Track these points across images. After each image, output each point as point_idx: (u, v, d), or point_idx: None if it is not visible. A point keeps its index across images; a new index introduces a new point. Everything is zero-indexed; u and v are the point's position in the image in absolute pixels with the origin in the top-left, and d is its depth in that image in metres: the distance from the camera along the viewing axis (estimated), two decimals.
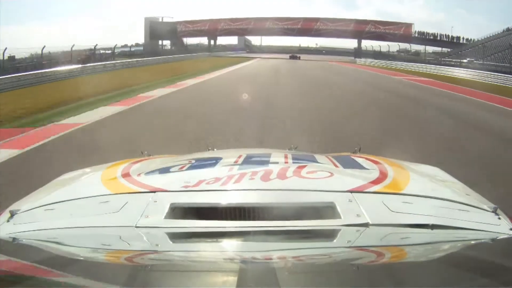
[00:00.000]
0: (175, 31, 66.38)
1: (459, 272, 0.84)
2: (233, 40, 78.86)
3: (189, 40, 71.24)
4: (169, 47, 66.51)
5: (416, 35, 60.98)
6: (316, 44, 79.65)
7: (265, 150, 1.88)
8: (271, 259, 0.90)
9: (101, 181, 1.32)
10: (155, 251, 0.96)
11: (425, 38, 59.41)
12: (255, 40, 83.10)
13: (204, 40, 71.54)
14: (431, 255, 0.96)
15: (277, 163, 1.38)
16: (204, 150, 2.76)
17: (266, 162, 1.38)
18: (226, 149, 2.44)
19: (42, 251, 0.97)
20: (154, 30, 64.25)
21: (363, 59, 50.99)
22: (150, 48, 54.79)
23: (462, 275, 0.82)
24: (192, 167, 1.40)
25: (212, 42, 71.14)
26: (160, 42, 67.03)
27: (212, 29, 68.75)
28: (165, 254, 0.94)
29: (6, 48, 22.69)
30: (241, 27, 68.16)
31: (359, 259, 0.93)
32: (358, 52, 59.94)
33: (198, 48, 67.11)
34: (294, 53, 64.22)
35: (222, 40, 79.25)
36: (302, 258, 0.92)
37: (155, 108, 10.88)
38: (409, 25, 62.45)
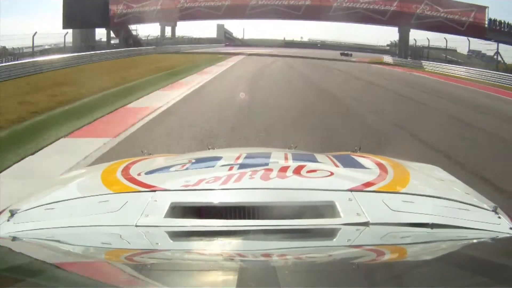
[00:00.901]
0: (107, 14, 37.97)
1: (459, 271, 0.84)
2: (210, 31, 62.64)
3: (144, 29, 48.08)
4: (116, 40, 39.45)
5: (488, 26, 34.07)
6: (302, 37, 67.90)
7: (265, 149, 1.88)
8: (271, 258, 0.90)
9: (101, 180, 1.33)
10: (155, 250, 0.96)
11: (500, 31, 33.82)
12: (236, 31, 69.38)
13: (175, 31, 45.49)
14: (431, 254, 0.95)
15: (277, 162, 1.38)
16: (204, 149, 2.76)
17: (266, 161, 1.38)
18: (226, 148, 2.45)
19: (42, 251, 0.97)
20: (74, 13, 34.21)
21: (433, 63, 30.79)
22: (80, 42, 32.86)
23: (462, 274, 0.82)
24: (192, 166, 1.41)
25: (175, 30, 44.29)
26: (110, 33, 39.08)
27: (168, 9, 40.47)
28: (165, 253, 0.95)
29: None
30: (213, 5, 39.78)
31: (359, 258, 0.93)
32: (402, 49, 37.41)
33: (157, 41, 41.80)
34: (345, 50, 47.39)
35: (194, 31, 62.67)
36: (302, 257, 0.92)
37: None
38: (481, 9, 34.94)
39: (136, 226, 0.99)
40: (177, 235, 1.02)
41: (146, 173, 1.32)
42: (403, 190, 1.19)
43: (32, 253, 0.94)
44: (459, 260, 0.90)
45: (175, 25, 43.51)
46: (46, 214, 1.11)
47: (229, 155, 1.60)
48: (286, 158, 1.46)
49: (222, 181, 1.16)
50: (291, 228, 1.00)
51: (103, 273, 0.82)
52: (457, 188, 1.35)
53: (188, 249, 1.00)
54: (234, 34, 68.38)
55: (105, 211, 1.07)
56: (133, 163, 1.53)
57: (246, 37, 67.83)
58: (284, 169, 1.25)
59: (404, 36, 37.60)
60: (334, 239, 1.01)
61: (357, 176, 1.29)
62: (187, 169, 1.36)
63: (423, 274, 0.80)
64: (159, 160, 1.66)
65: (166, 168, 1.39)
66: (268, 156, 1.52)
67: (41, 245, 1.00)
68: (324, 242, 1.02)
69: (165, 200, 1.07)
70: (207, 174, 1.22)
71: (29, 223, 1.07)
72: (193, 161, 1.48)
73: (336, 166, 1.41)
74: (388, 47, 49.73)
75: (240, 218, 1.04)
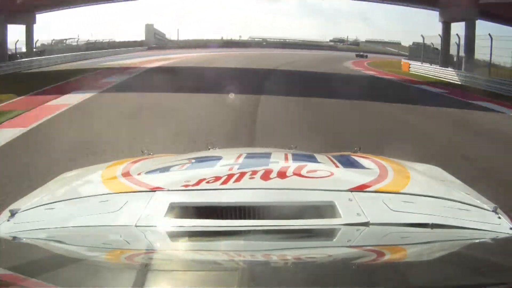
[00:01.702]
0: None
1: (459, 271, 0.84)
2: (139, 34, 51.97)
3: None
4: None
5: None
6: (240, 36, 64.14)
7: (265, 149, 1.88)
8: (271, 258, 0.90)
9: (101, 180, 1.33)
10: (155, 250, 0.96)
11: None
12: (171, 32, 57.46)
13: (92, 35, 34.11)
14: (431, 254, 0.96)
15: (277, 162, 1.38)
16: (204, 150, 2.76)
17: (266, 161, 1.38)
18: (226, 148, 2.45)
19: (42, 250, 0.98)
20: None
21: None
22: None
23: (462, 274, 0.82)
24: (192, 166, 1.40)
25: (31, 31, 23.92)
26: None
27: None
28: (165, 253, 0.95)
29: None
30: None
31: (359, 258, 0.94)
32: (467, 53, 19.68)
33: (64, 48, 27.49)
34: (360, 52, 45.93)
35: (121, 34, 47.14)
36: (302, 257, 0.92)
37: None
38: None
39: (136, 226, 0.99)
40: (177, 235, 1.02)
41: (146, 173, 1.32)
42: (403, 191, 1.19)
43: (32, 253, 0.94)
44: (459, 260, 0.90)
45: (32, 21, 24.16)
46: (46, 214, 1.11)
47: (229, 155, 1.60)
48: (286, 158, 1.45)
49: (222, 181, 1.16)
50: (291, 228, 1.00)
51: (103, 273, 0.82)
52: (457, 188, 1.35)
53: (188, 249, 1.00)
54: (168, 36, 60.45)
55: (105, 211, 1.07)
56: (133, 163, 1.53)
57: (181, 38, 61.14)
58: (284, 169, 1.25)
59: (468, 29, 19.91)
60: (334, 239, 1.01)
61: (357, 177, 1.29)
62: (187, 169, 1.36)
63: (423, 274, 0.80)
64: (159, 160, 1.66)
65: (166, 168, 1.39)
66: (268, 156, 1.51)
67: (41, 245, 1.00)
68: (324, 242, 1.02)
69: (165, 200, 1.07)
70: (207, 174, 1.22)
71: (29, 223, 1.07)
72: (193, 161, 1.47)
73: (336, 166, 1.41)
74: (332, 43, 43.61)
75: (240, 218, 1.04)
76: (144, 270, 0.82)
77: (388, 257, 0.94)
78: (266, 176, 1.19)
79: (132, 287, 0.74)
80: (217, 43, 55.04)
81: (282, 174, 1.21)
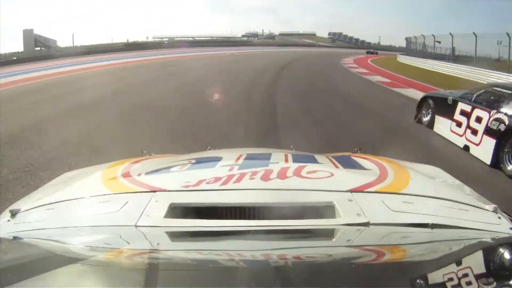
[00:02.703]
0: None
1: (459, 271, 0.83)
2: (15, 38, 42.91)
3: None
4: None
5: None
6: (147, 37, 61.19)
7: (265, 150, 1.88)
8: (271, 258, 0.90)
9: (102, 181, 1.33)
10: (155, 250, 0.96)
11: None
12: (65, 37, 47.05)
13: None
14: (431, 254, 0.96)
15: (277, 163, 1.38)
16: (204, 150, 2.76)
17: (266, 162, 1.38)
18: (226, 149, 2.46)
19: (42, 250, 0.98)
20: None
21: None
22: None
23: (462, 274, 0.82)
24: (192, 167, 1.40)
25: None
26: None
27: None
28: (165, 253, 0.95)
29: None
30: None
31: (359, 258, 0.94)
32: None
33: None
34: (370, 49, 44.69)
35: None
36: (303, 258, 0.92)
37: None
38: None
39: (136, 226, 0.99)
40: (177, 236, 1.02)
41: (146, 174, 1.32)
42: (403, 191, 1.19)
43: (32, 253, 0.94)
44: (459, 260, 0.90)
45: None
46: (46, 214, 1.11)
47: (230, 155, 1.60)
48: (286, 159, 1.45)
49: (222, 182, 1.16)
50: (291, 229, 1.00)
51: (103, 273, 0.82)
52: (457, 188, 1.35)
53: (188, 249, 1.00)
54: (60, 42, 48.21)
55: (105, 211, 1.08)
56: (133, 163, 1.53)
57: (78, 44, 50.46)
58: (284, 170, 1.25)
59: None
60: (334, 240, 1.01)
61: (357, 177, 1.29)
62: (187, 169, 1.36)
63: (423, 274, 0.80)
64: (159, 161, 1.66)
65: (166, 168, 1.39)
66: (268, 157, 1.51)
67: (41, 245, 1.00)
68: (324, 242, 1.02)
69: (165, 201, 1.07)
70: (207, 175, 1.22)
71: (29, 223, 1.07)
72: (193, 161, 1.47)
73: (336, 167, 1.41)
74: (245, 38, 40.40)
75: (240, 218, 1.04)
76: (144, 270, 0.82)
77: (388, 257, 0.94)
78: (266, 176, 1.19)
79: (132, 287, 0.74)
80: (119, 46, 48.01)
81: (282, 175, 1.21)
